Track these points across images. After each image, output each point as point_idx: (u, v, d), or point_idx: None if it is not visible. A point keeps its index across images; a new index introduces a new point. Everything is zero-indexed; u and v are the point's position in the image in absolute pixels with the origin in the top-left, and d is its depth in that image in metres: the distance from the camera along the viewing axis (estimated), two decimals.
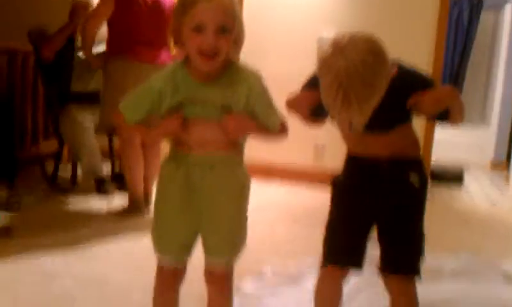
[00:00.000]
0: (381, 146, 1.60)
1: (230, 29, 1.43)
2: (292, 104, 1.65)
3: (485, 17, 6.66)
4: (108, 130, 3.66)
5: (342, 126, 1.53)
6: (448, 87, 1.56)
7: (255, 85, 1.53)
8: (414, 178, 1.62)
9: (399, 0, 4.21)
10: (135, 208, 3.32)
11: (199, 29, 1.41)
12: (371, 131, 1.54)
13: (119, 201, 3.57)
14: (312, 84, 1.51)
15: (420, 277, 1.65)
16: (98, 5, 3.38)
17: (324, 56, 1.39)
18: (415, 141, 1.68)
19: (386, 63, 1.39)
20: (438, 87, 1.56)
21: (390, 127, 1.59)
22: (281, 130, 1.60)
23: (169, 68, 1.57)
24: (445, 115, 1.56)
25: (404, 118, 1.59)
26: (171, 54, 3.38)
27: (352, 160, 1.70)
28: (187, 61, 1.51)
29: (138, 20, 3.26)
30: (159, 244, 1.63)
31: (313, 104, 1.53)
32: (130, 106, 1.58)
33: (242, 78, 1.52)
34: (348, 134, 1.64)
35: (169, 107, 1.52)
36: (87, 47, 3.50)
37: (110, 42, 3.38)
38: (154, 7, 3.29)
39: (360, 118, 1.40)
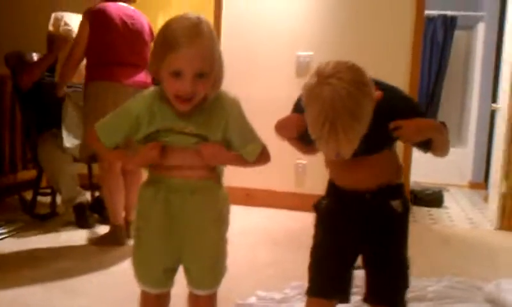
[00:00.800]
0: (364, 172, 1.60)
1: (208, 73, 1.44)
2: (282, 127, 1.65)
3: (458, 37, 6.78)
4: (90, 156, 3.61)
5: (328, 155, 1.53)
6: (432, 120, 1.58)
7: (231, 113, 1.54)
8: (396, 204, 1.63)
9: (374, 19, 4.25)
10: (115, 237, 3.27)
11: (177, 74, 1.41)
12: (355, 155, 1.55)
13: (99, 230, 3.52)
14: (299, 108, 1.51)
15: None
16: (78, 31, 3.35)
17: (308, 85, 1.40)
18: (398, 167, 1.69)
19: (370, 91, 1.39)
20: (422, 118, 1.56)
21: (374, 151, 1.59)
22: (259, 157, 1.60)
23: (147, 94, 1.56)
24: (426, 145, 1.58)
25: (388, 142, 1.60)
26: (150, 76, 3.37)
27: (334, 188, 1.71)
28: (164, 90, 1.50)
29: (115, 41, 3.23)
30: (140, 272, 1.62)
31: (301, 127, 1.52)
32: (107, 129, 1.57)
33: (218, 107, 1.52)
34: (332, 160, 1.64)
35: (146, 134, 1.52)
36: (67, 74, 3.45)
37: (88, 67, 3.34)
38: (132, 29, 3.28)
39: (347, 148, 1.40)
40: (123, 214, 3.32)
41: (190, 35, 1.39)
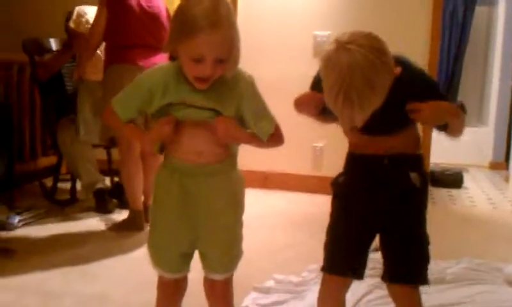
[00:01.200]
0: (382, 145, 1.59)
1: (227, 59, 1.43)
2: (301, 103, 1.64)
3: (479, 13, 6.65)
4: (110, 138, 3.62)
5: (344, 124, 1.51)
6: (451, 105, 1.55)
7: (245, 90, 1.53)
8: (414, 177, 1.61)
9: None
10: (135, 222, 3.29)
11: (197, 60, 1.40)
12: (374, 133, 1.53)
13: (119, 216, 3.55)
14: (318, 83, 1.50)
15: (427, 284, 1.64)
16: (95, 17, 3.37)
17: (326, 52, 1.39)
18: (416, 139, 1.66)
19: (388, 62, 1.38)
20: (442, 102, 1.53)
21: (393, 130, 1.58)
22: (273, 137, 1.58)
23: (161, 68, 1.57)
24: (443, 127, 1.56)
25: (408, 122, 1.57)
26: (166, 58, 3.36)
27: (352, 159, 1.68)
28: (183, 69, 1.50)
29: (132, 24, 3.23)
30: (156, 256, 1.64)
31: (320, 104, 1.51)
32: (122, 103, 1.58)
33: (233, 83, 1.51)
34: (350, 133, 1.63)
35: (159, 107, 1.52)
36: (85, 57, 3.48)
37: (106, 50, 3.36)
38: (148, 12, 3.27)
39: (360, 116, 1.39)
40: (142, 199, 3.34)
41: (210, 21, 1.36)
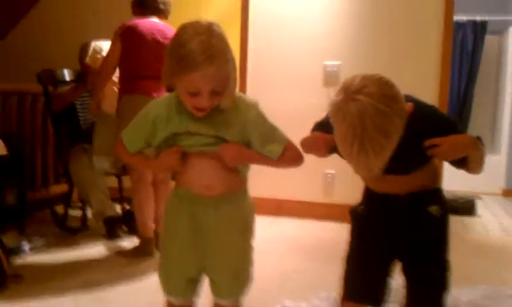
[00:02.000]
0: (400, 185, 1.58)
1: (223, 90, 1.45)
2: (311, 146, 1.63)
3: (489, 42, 6.66)
4: (121, 168, 3.64)
5: (361, 172, 1.49)
6: (470, 136, 1.52)
7: (249, 114, 1.53)
8: (433, 208, 1.59)
9: (403, 26, 4.21)
10: (145, 249, 3.29)
11: (194, 94, 1.42)
12: (391, 174, 1.50)
13: (128, 243, 3.55)
14: (325, 125, 1.49)
15: None
16: (110, 47, 3.41)
17: (335, 102, 1.36)
18: (434, 174, 1.66)
19: (400, 106, 1.35)
20: (459, 134, 1.51)
21: (411, 169, 1.57)
22: (285, 156, 1.55)
23: (163, 99, 1.58)
24: (462, 162, 1.52)
25: (425, 159, 1.55)
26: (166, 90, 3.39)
27: (370, 193, 1.69)
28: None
29: (146, 56, 3.27)
30: (164, 281, 1.64)
31: (330, 145, 1.50)
32: (129, 135, 1.61)
33: (235, 110, 1.52)
34: (367, 177, 1.62)
35: (165, 138, 1.53)
36: (99, 84, 3.48)
37: (121, 82, 3.40)
38: (163, 44, 3.28)
39: (378, 165, 1.36)
40: (153, 226, 3.34)
41: (207, 56, 1.38)
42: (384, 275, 1.66)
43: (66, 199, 4.02)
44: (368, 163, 1.35)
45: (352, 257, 1.69)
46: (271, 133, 1.56)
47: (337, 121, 1.36)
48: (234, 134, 1.51)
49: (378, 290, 1.66)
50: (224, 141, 1.50)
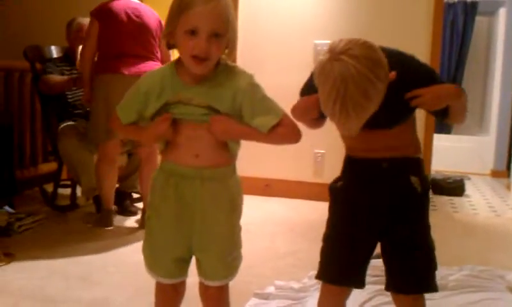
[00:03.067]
0: (381, 145, 1.57)
1: (222, 34, 1.43)
2: (302, 109, 1.61)
3: (479, 22, 6.66)
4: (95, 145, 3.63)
5: (342, 131, 1.52)
6: (451, 86, 1.54)
7: (241, 82, 1.50)
8: (414, 179, 1.58)
9: (393, 6, 4.20)
10: (105, 219, 3.46)
11: (192, 32, 1.41)
12: (372, 128, 1.49)
13: (118, 222, 3.56)
14: (310, 87, 1.50)
15: (436, 291, 1.61)
16: (87, 30, 3.47)
17: (320, 62, 1.38)
18: (415, 141, 1.64)
19: (383, 71, 1.36)
20: (442, 84, 1.52)
21: (393, 123, 1.56)
22: (277, 130, 1.49)
23: (157, 70, 1.59)
24: (444, 112, 1.54)
25: (406, 113, 1.55)
26: (159, 66, 3.39)
27: (350, 162, 1.66)
28: (177, 62, 1.51)
29: (119, 34, 3.31)
30: (150, 262, 1.63)
31: (319, 106, 1.48)
32: (122, 108, 1.61)
33: (229, 78, 1.50)
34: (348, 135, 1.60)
35: (156, 109, 1.52)
36: (84, 71, 3.50)
37: (96, 61, 3.43)
38: (136, 21, 3.34)
39: (357, 125, 1.39)
40: (112, 198, 3.49)
41: None
42: (364, 255, 1.63)
43: (55, 177, 3.99)
44: (349, 123, 1.37)
45: (331, 236, 1.66)
46: (263, 104, 1.50)
47: (321, 79, 1.38)
48: (226, 105, 1.48)
49: (357, 271, 1.64)
50: (216, 112, 1.48)
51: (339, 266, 1.64)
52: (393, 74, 1.40)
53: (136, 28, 3.33)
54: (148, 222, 1.63)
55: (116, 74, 3.23)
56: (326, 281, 1.66)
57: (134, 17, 3.33)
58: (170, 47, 1.51)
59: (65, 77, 3.84)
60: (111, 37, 3.31)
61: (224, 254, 1.58)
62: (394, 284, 1.62)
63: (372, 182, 1.60)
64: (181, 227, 1.54)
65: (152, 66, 3.32)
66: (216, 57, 1.45)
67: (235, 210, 1.59)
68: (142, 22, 3.36)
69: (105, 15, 3.32)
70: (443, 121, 1.60)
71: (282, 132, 1.50)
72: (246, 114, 1.49)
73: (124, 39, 3.30)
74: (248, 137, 1.53)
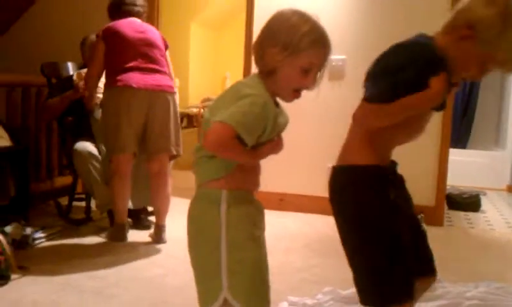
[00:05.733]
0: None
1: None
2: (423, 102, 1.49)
3: None
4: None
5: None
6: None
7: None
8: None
9: (409, 21, 4.15)
10: (118, 234, 3.46)
11: (307, 71, 1.45)
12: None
13: (132, 236, 3.57)
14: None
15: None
16: (93, 50, 3.54)
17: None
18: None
19: None
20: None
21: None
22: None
23: (266, 96, 1.46)
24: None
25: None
26: (167, 79, 3.46)
27: (381, 171, 1.60)
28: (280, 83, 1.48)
29: (127, 49, 3.36)
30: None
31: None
32: (250, 132, 1.42)
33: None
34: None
35: (270, 136, 1.49)
36: (90, 90, 3.61)
37: (105, 77, 3.48)
38: (142, 38, 3.42)
39: None
40: (126, 213, 3.48)
41: (328, 40, 1.51)
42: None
43: (70, 191, 4.02)
44: None
45: (396, 250, 1.50)
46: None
47: None
48: None
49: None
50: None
51: (411, 277, 1.53)
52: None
53: (142, 44, 3.41)
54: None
55: (124, 87, 3.28)
56: (411, 298, 1.52)
57: (140, 35, 3.42)
58: (269, 74, 1.46)
59: (57, 99, 3.89)
60: (118, 52, 3.37)
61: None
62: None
63: (401, 188, 1.63)
64: None
65: (159, 78, 3.40)
66: None
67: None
68: (147, 37, 3.44)
69: (110, 34, 3.40)
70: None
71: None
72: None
73: (130, 53, 3.36)
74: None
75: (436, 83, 1.43)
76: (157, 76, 3.39)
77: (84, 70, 3.93)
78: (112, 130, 3.31)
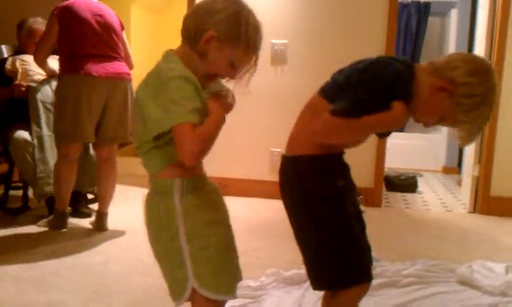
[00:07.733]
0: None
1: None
2: (387, 124, 1.52)
3: (432, 23, 6.81)
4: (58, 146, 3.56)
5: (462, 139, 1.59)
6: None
7: None
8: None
9: (348, 6, 4.24)
10: (59, 221, 3.38)
11: (234, 66, 1.46)
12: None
13: (72, 223, 3.50)
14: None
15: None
16: (46, 28, 3.36)
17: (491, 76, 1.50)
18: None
19: None
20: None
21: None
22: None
23: (184, 67, 1.43)
24: None
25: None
26: (124, 66, 3.39)
27: (334, 159, 1.65)
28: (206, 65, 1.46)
29: (84, 35, 3.24)
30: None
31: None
32: (194, 113, 1.36)
33: None
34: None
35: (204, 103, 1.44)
36: (42, 68, 3.54)
37: (60, 61, 3.36)
38: (100, 22, 3.30)
39: None
40: (68, 199, 3.40)
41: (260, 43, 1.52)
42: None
43: (6, 179, 3.89)
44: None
45: (352, 235, 1.57)
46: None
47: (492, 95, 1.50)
48: None
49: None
50: None
51: (370, 259, 1.60)
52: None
53: (100, 29, 3.29)
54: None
55: (85, 75, 3.17)
56: (369, 280, 1.59)
57: (97, 18, 3.29)
58: (202, 54, 1.44)
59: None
60: (76, 37, 3.24)
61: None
62: None
63: (348, 170, 1.66)
64: None
65: (118, 66, 3.32)
66: None
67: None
68: (105, 21, 3.32)
69: (67, 15, 3.25)
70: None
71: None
72: None
73: (90, 39, 3.24)
74: None
75: (399, 106, 1.46)
76: (116, 63, 3.30)
77: (20, 57, 3.81)
78: (71, 118, 3.19)
